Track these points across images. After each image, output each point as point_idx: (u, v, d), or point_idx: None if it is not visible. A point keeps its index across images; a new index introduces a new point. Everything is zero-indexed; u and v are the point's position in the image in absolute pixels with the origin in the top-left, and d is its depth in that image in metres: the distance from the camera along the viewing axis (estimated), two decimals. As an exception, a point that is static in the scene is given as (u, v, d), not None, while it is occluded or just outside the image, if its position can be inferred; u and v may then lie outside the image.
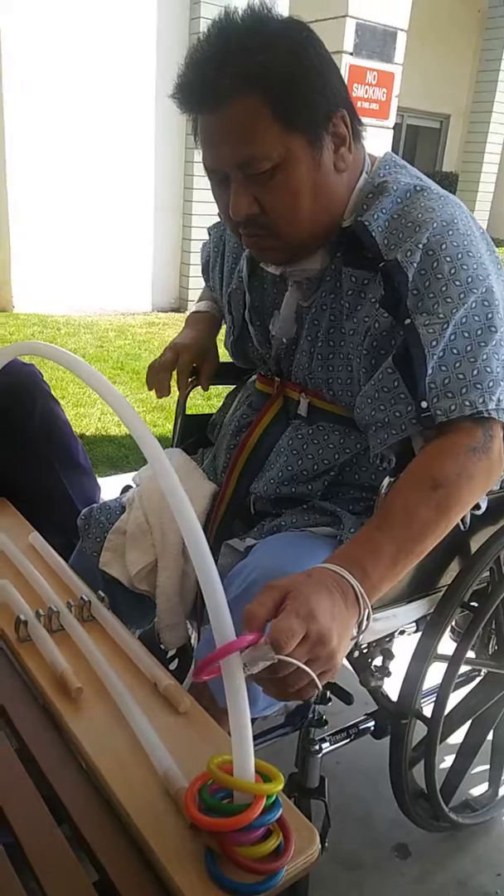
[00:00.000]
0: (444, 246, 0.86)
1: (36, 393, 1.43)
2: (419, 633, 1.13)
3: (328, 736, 1.19)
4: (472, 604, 1.14)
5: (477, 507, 0.94)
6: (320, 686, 0.67)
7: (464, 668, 1.15)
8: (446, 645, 1.12)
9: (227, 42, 0.84)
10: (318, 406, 1.06)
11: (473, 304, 0.86)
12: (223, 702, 0.84)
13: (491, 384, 0.84)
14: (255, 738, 0.63)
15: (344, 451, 1.03)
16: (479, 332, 0.85)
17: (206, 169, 0.92)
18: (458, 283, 0.85)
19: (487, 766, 1.37)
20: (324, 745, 1.17)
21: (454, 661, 1.11)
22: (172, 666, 1.42)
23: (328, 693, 1.17)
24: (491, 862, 1.30)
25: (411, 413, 0.86)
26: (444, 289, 0.85)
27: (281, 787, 0.62)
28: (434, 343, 0.84)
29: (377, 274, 0.90)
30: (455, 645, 1.13)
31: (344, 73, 3.61)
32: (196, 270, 5.82)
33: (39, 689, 0.81)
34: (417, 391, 0.85)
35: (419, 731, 1.13)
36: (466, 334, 0.85)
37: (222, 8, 0.87)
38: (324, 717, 1.17)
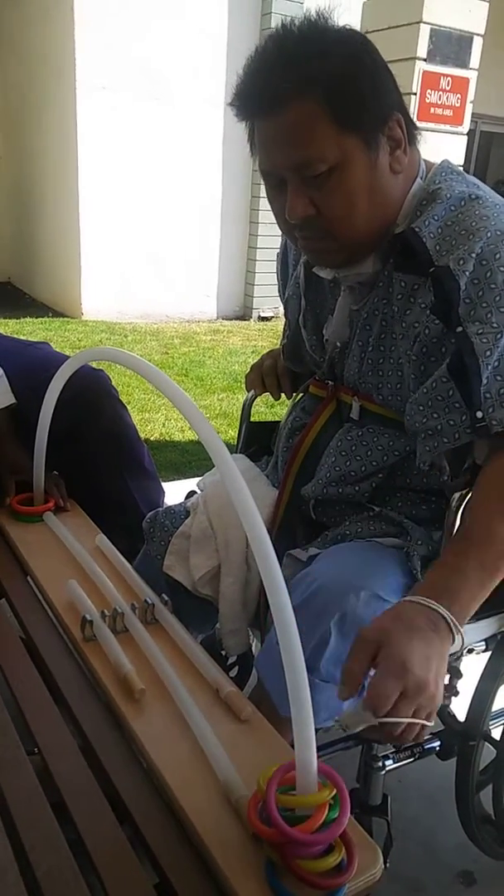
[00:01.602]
0: (498, 256, 0.85)
1: (105, 398, 1.46)
2: (488, 653, 1.09)
3: (392, 753, 1.15)
4: (546, 623, 1.09)
5: None
6: (430, 725, 0.68)
7: (535, 691, 1.10)
8: (517, 665, 1.07)
9: (284, 49, 0.86)
10: (370, 409, 1.05)
11: None
12: (284, 710, 0.83)
13: None
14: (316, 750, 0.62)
15: (393, 453, 1.01)
16: None
17: (261, 173, 0.94)
18: None
19: None
20: (387, 763, 1.13)
21: (526, 682, 1.06)
22: (233, 673, 1.42)
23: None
24: None
25: (466, 422, 0.86)
26: (497, 299, 0.85)
27: (331, 794, 0.60)
28: (488, 353, 0.84)
29: (427, 279, 0.89)
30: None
31: (417, 78, 3.56)
32: (261, 279, 5.86)
33: (103, 689, 0.82)
34: (473, 401, 0.85)
35: (487, 753, 1.09)
36: None
37: (281, 18, 0.88)
38: (387, 733, 1.14)
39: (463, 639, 0.75)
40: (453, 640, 0.74)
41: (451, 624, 0.74)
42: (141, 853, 0.63)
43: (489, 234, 0.86)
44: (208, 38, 5.26)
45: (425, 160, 0.98)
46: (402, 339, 0.95)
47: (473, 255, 0.85)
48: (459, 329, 0.86)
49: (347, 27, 0.89)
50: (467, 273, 0.85)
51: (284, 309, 1.21)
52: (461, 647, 0.76)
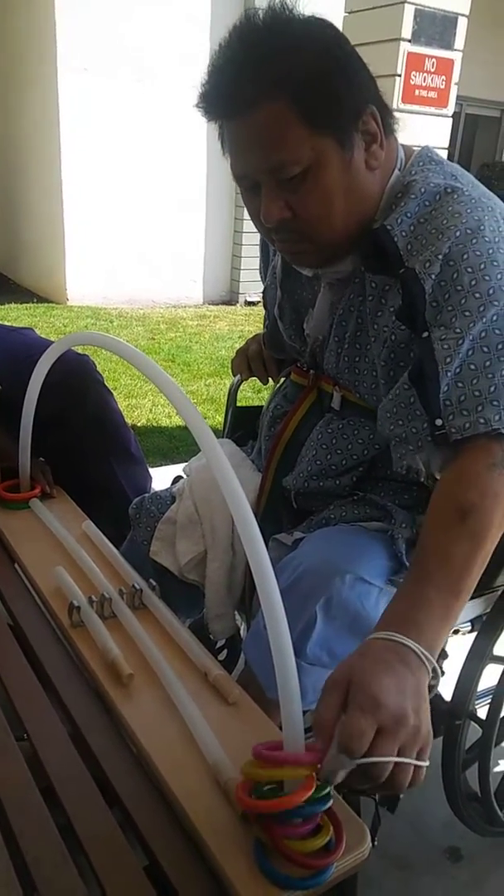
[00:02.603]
0: (465, 256, 0.82)
1: (90, 383, 1.45)
2: (474, 633, 1.10)
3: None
4: (531, 604, 1.10)
5: None
6: (426, 764, 0.62)
7: (520, 670, 1.12)
8: (502, 646, 1.09)
9: (249, 46, 0.82)
10: (351, 400, 1.04)
11: (494, 318, 0.81)
12: (272, 692, 0.83)
13: None
14: (304, 732, 0.62)
15: (373, 446, 1.01)
16: (500, 346, 0.81)
17: (234, 176, 0.90)
18: (477, 295, 0.81)
19: (543, 772, 1.33)
20: (374, 743, 1.15)
21: (511, 662, 1.07)
22: (221, 656, 1.42)
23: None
24: (545, 870, 1.26)
25: (427, 430, 0.83)
26: (462, 301, 0.82)
27: (315, 766, 0.59)
28: (448, 359, 0.81)
29: (397, 281, 0.87)
30: (512, 646, 1.10)
31: (401, 60, 3.53)
32: (247, 263, 5.83)
33: (91, 674, 0.82)
34: (431, 408, 0.82)
35: (473, 732, 1.10)
36: (485, 349, 0.81)
37: (243, 11, 0.85)
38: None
39: (439, 671, 0.69)
40: (427, 673, 0.67)
41: (423, 657, 0.67)
42: (131, 836, 0.64)
43: (458, 234, 0.83)
44: (192, 21, 5.19)
45: (405, 146, 0.95)
46: (374, 342, 0.93)
47: (440, 256, 0.82)
48: (425, 334, 0.83)
49: (315, 17, 0.85)
50: (433, 276, 0.83)
51: (263, 298, 1.20)
52: (439, 679, 0.70)
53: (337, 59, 0.83)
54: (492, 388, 0.80)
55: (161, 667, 0.80)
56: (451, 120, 3.90)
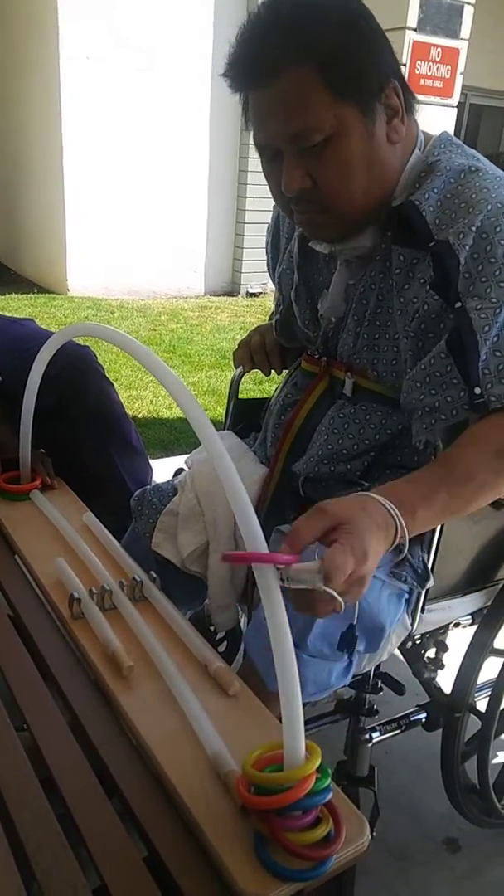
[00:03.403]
0: (498, 229, 0.83)
1: (90, 374, 1.45)
2: (474, 627, 1.10)
3: (378, 725, 1.17)
4: (532, 597, 1.10)
5: None
6: (339, 612, 0.68)
7: (520, 664, 1.12)
8: (503, 639, 1.09)
9: (278, 16, 0.83)
10: (364, 386, 1.04)
11: None
12: (272, 684, 0.84)
13: None
14: (304, 724, 0.62)
15: (385, 431, 1.01)
16: None
17: (257, 147, 0.91)
18: None
19: (542, 765, 1.34)
20: (374, 735, 1.15)
21: (511, 655, 1.07)
22: (221, 648, 1.43)
23: (380, 682, 1.15)
24: (543, 862, 1.26)
25: (464, 399, 0.85)
26: (497, 273, 0.83)
27: (318, 762, 0.61)
28: (486, 328, 0.83)
29: (427, 253, 0.88)
30: (512, 639, 1.10)
31: (407, 49, 3.50)
32: (249, 254, 5.80)
33: (91, 666, 0.82)
34: (471, 377, 0.84)
35: (472, 725, 1.11)
36: None
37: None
38: (375, 706, 1.15)
39: (404, 549, 0.77)
40: (390, 547, 0.74)
41: (402, 536, 0.74)
42: (130, 827, 0.64)
43: (489, 207, 0.84)
44: (195, 9, 5.14)
45: (424, 132, 0.96)
46: (399, 315, 0.94)
47: (473, 228, 0.84)
48: (458, 304, 0.85)
49: None
50: (467, 247, 0.84)
51: (277, 284, 1.19)
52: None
53: (363, 30, 0.84)
54: None
55: (161, 659, 0.80)
56: (455, 110, 3.87)
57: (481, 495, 0.82)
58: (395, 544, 0.74)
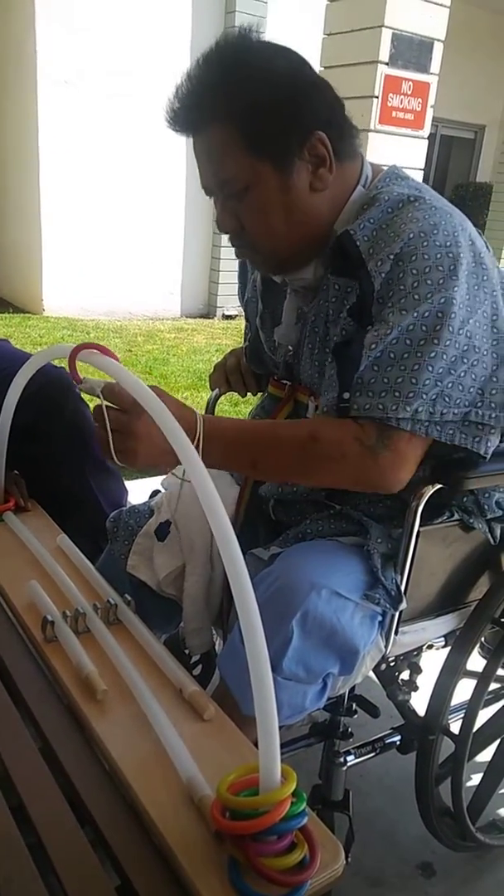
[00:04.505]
0: (413, 258, 0.86)
1: (66, 395, 1.44)
2: (447, 648, 1.11)
3: (353, 749, 1.17)
4: (503, 620, 1.12)
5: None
6: (113, 458, 0.83)
7: (493, 686, 1.13)
8: (475, 661, 1.10)
9: (208, 71, 0.89)
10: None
11: (426, 314, 0.85)
12: (247, 708, 0.84)
13: (411, 395, 0.86)
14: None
15: None
16: (422, 342, 0.85)
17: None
18: (416, 296, 0.86)
19: (515, 787, 1.34)
20: (349, 758, 1.15)
21: (484, 677, 1.08)
22: (196, 671, 1.41)
23: (354, 705, 1.15)
24: (517, 885, 1.26)
25: (334, 401, 0.91)
26: (402, 300, 0.87)
27: (293, 786, 0.60)
28: (373, 346, 0.87)
29: (357, 282, 0.92)
30: (485, 661, 1.11)
31: (379, 82, 3.59)
32: (225, 277, 5.86)
33: (64, 690, 0.81)
34: (344, 382, 0.90)
35: (446, 747, 1.11)
36: (408, 341, 0.86)
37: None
38: (349, 729, 1.15)
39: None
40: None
41: (198, 440, 0.85)
42: (102, 855, 0.63)
43: (411, 235, 0.87)
44: (172, 34, 5.23)
45: (375, 165, 0.99)
46: (335, 340, 0.97)
47: (391, 256, 0.87)
48: (369, 328, 0.89)
49: (277, 44, 0.92)
50: (383, 275, 0.88)
51: (245, 311, 1.23)
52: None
53: (284, 88, 0.89)
54: (399, 379, 0.86)
55: (135, 683, 0.79)
56: (427, 141, 3.98)
57: (280, 468, 0.93)
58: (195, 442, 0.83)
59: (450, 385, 0.87)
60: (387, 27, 3.56)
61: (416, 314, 0.85)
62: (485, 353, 0.89)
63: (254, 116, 0.87)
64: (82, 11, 4.88)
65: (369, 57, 3.58)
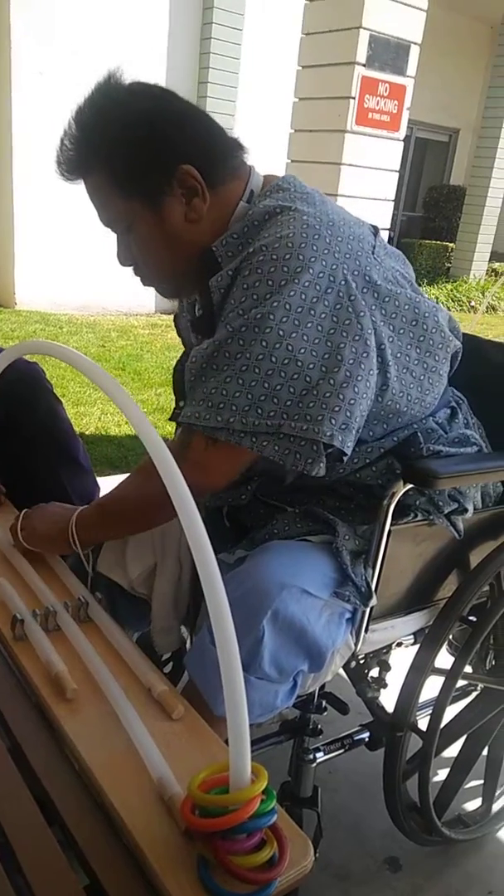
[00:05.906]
0: (247, 272, 0.88)
1: (39, 391, 1.43)
2: (416, 646, 1.12)
3: (322, 745, 1.18)
4: (471, 618, 1.13)
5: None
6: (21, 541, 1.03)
7: (461, 683, 1.15)
8: (443, 658, 1.11)
9: (80, 122, 0.93)
10: None
11: (243, 328, 0.87)
12: (217, 707, 0.84)
13: (222, 405, 0.87)
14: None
15: None
16: (238, 355, 0.87)
17: None
18: (240, 310, 0.87)
19: (481, 782, 1.36)
20: (318, 755, 1.16)
21: (451, 675, 1.10)
22: (167, 669, 1.41)
23: (324, 702, 1.16)
24: (482, 879, 1.29)
25: (176, 412, 0.98)
26: (229, 314, 0.89)
27: (264, 784, 0.61)
28: (195, 359, 0.91)
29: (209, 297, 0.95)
30: (452, 659, 1.13)
31: (356, 83, 3.61)
32: (201, 274, 5.82)
33: (34, 689, 0.80)
34: (179, 392, 0.98)
35: (414, 744, 1.12)
36: (227, 354, 0.88)
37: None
38: (319, 726, 1.16)
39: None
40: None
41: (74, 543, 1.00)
42: (71, 855, 0.62)
43: (251, 249, 0.89)
44: (151, 27, 5.19)
45: (269, 176, 1.00)
46: None
47: (230, 272, 0.90)
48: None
49: (138, 82, 0.94)
50: (222, 290, 0.91)
51: (175, 326, 1.28)
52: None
53: (144, 126, 0.90)
54: (212, 390, 0.88)
55: (106, 681, 0.79)
56: (402, 143, 4.01)
57: (136, 517, 1.00)
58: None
59: (262, 398, 0.86)
60: (364, 28, 3.57)
61: (231, 328, 0.87)
62: (310, 366, 0.86)
63: (118, 160, 0.91)
64: (59, 2, 4.82)
65: (346, 58, 3.59)
